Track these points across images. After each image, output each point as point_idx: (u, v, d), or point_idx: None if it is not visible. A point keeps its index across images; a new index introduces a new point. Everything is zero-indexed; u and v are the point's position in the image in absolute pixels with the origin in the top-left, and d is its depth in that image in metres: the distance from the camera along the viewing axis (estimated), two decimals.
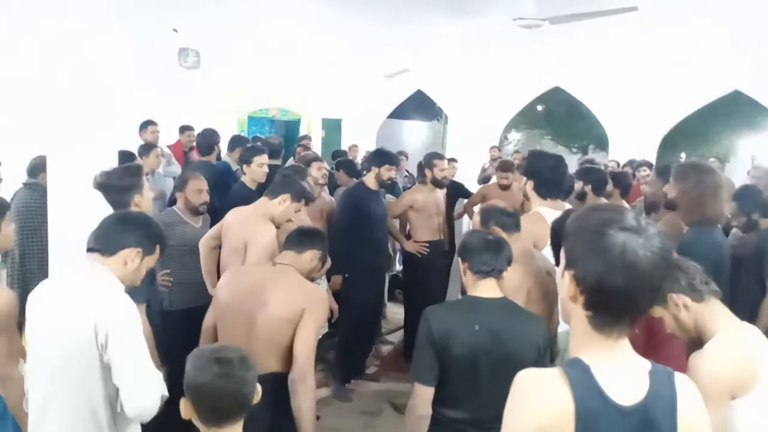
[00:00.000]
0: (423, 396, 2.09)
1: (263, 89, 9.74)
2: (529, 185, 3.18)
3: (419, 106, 13.13)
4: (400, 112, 12.80)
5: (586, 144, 17.90)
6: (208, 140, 5.54)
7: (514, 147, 18.22)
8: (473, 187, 7.15)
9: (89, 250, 1.99)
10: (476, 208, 3.71)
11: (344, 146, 10.37)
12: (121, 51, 7.56)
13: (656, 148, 9.33)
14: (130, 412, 1.87)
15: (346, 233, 4.51)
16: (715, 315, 1.88)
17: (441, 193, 5.30)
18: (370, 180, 4.74)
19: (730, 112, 11.38)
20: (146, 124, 6.73)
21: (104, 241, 1.98)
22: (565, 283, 1.19)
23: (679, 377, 1.21)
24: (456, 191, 6.47)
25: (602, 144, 12.69)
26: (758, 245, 3.49)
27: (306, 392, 2.30)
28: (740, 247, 3.75)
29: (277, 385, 2.30)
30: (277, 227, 3.33)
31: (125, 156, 4.54)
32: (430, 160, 5.10)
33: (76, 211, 2.97)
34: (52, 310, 1.89)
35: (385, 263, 5.18)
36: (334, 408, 4.32)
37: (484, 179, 8.29)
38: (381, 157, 4.83)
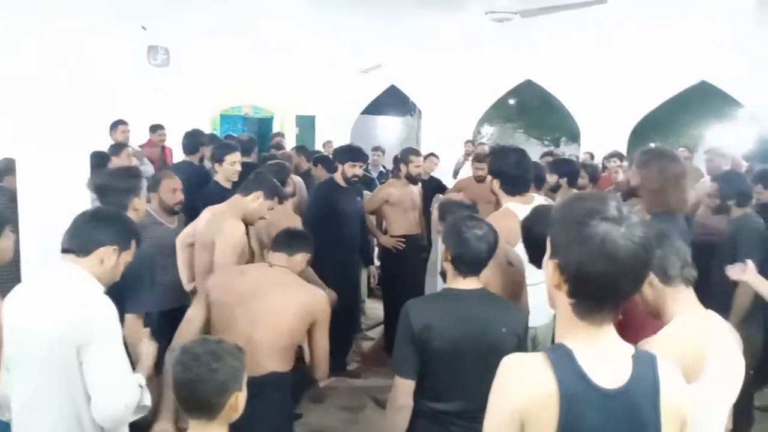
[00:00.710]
0: (403, 389, 2.09)
1: (235, 87, 9.65)
2: (495, 184, 3.10)
3: (393, 101, 13.15)
4: (373, 108, 12.80)
5: (558, 136, 18.12)
6: (193, 140, 5.45)
7: (487, 141, 18.38)
8: (449, 182, 7.17)
9: (64, 251, 1.94)
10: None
11: (318, 142, 10.35)
12: (89, 49, 7.45)
13: (627, 139, 9.49)
14: (96, 415, 1.83)
15: (315, 229, 4.46)
16: (678, 300, 1.87)
17: (416, 188, 5.31)
18: (339, 176, 4.73)
19: (697, 102, 11.63)
20: (116, 124, 6.63)
21: (79, 241, 1.93)
22: (549, 271, 1.21)
23: (662, 362, 1.23)
24: (433, 186, 6.49)
25: (574, 136, 12.85)
26: (730, 235, 3.54)
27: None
28: (706, 234, 3.80)
29: (278, 385, 2.32)
30: (250, 224, 3.33)
31: (99, 156, 4.45)
32: (406, 155, 5.14)
33: (47, 214, 2.87)
34: (30, 313, 1.85)
35: (356, 260, 5.13)
36: (316, 405, 4.31)
37: (457, 173, 8.33)
38: (344, 153, 4.81)
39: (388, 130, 15.66)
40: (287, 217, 3.93)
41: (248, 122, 11.10)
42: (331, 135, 10.36)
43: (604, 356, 1.19)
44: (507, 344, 2.02)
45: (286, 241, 2.63)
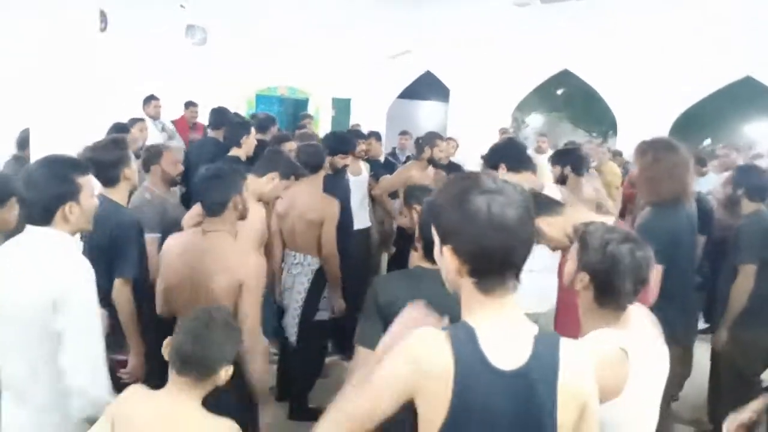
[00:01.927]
0: (364, 359, 2.13)
1: (271, 67, 9.77)
2: (502, 170, 3.15)
3: (431, 87, 13.05)
4: (411, 92, 12.73)
5: (605, 129, 17.67)
6: (220, 117, 5.58)
7: (535, 131, 18.08)
8: (473, 168, 7.12)
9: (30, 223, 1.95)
10: None
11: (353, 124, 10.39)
12: (128, 25, 7.68)
13: (666, 134, 9.19)
14: (71, 382, 1.85)
15: None
16: (603, 316, 1.68)
17: (433, 172, 5.30)
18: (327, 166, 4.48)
19: (744, 99, 11.14)
20: (149, 99, 6.88)
21: (37, 214, 1.93)
22: (446, 259, 1.23)
23: (566, 344, 1.23)
24: (454, 171, 6.46)
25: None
26: (736, 232, 3.44)
27: (255, 359, 2.35)
28: (721, 230, 3.70)
29: None
30: (267, 205, 3.32)
31: (117, 129, 4.63)
32: (432, 138, 5.18)
33: None
34: (5, 280, 1.90)
35: (348, 246, 5.00)
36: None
37: None
38: (335, 144, 4.48)
39: (426, 115, 15.58)
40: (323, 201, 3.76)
41: (284, 103, 11.21)
42: (367, 118, 10.41)
43: (507, 335, 1.21)
44: None
45: (207, 201, 2.45)
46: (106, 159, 2.73)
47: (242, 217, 2.53)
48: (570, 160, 3.70)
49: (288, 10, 8.79)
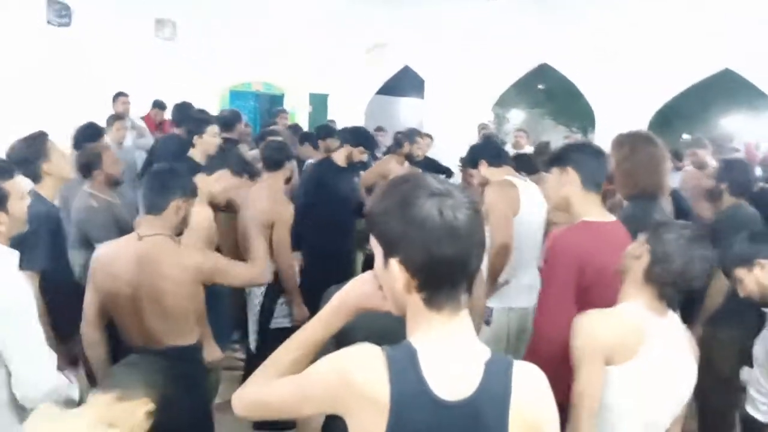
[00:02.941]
0: None
1: (245, 62, 9.54)
2: (483, 167, 3.25)
3: (409, 82, 12.92)
4: (390, 89, 12.59)
5: (585, 124, 17.69)
6: (183, 113, 5.41)
7: (515, 126, 18.06)
8: (452, 164, 7.00)
9: None
10: None
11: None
12: (96, 20, 7.46)
13: (645, 129, 9.13)
14: (18, 392, 1.78)
15: (308, 211, 4.25)
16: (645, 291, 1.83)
17: (408, 168, 5.22)
18: (339, 156, 4.51)
19: (723, 92, 11.15)
20: (117, 96, 6.69)
21: None
22: (392, 273, 1.06)
23: (519, 368, 1.09)
24: (431, 167, 6.37)
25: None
26: (713, 226, 3.35)
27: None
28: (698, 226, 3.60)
29: (180, 359, 2.22)
30: (219, 207, 3.12)
31: (90, 128, 4.41)
32: (413, 135, 5.24)
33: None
34: None
35: (352, 246, 4.98)
36: None
37: None
38: (358, 137, 4.59)
39: (404, 112, 15.43)
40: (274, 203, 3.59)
41: (259, 99, 10.99)
42: (345, 114, 10.25)
43: (454, 360, 1.06)
44: None
45: (150, 196, 2.33)
46: (23, 156, 2.64)
47: (183, 226, 2.39)
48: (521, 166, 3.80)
49: (262, 4, 8.59)
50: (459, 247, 1.02)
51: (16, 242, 2.42)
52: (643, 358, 1.72)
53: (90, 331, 2.35)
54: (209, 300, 2.46)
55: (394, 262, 1.05)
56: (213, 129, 4.13)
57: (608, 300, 2.08)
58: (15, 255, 1.86)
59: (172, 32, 8.81)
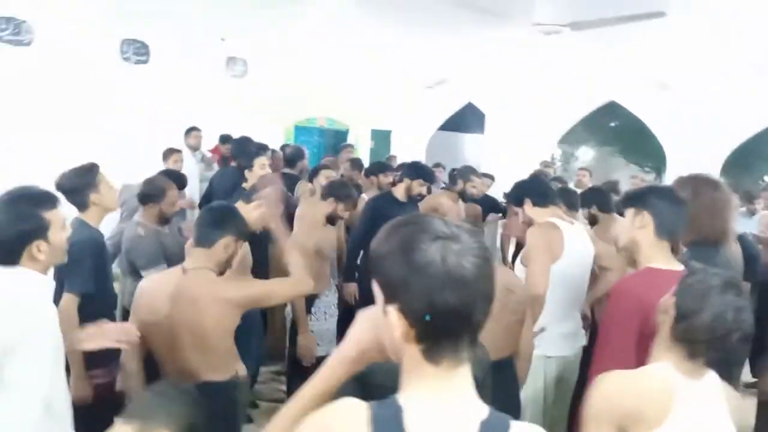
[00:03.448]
0: None
1: (310, 98, 9.79)
2: (527, 206, 3.15)
3: (473, 118, 12.88)
4: (453, 125, 12.58)
5: (658, 164, 17.05)
6: (240, 147, 5.57)
7: (582, 164, 17.61)
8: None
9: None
10: None
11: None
12: (171, 59, 7.86)
13: (719, 169, 8.68)
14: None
15: (364, 243, 4.34)
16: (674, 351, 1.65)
17: (463, 206, 5.19)
18: (399, 191, 4.60)
19: None
20: (190, 130, 7.04)
21: (2, 255, 1.85)
22: (391, 320, 0.99)
23: (515, 428, 1.00)
24: (488, 206, 6.30)
25: None
26: None
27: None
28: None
29: (213, 394, 2.21)
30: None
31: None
32: (467, 173, 5.26)
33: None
34: None
35: None
36: None
37: None
38: (417, 170, 4.72)
39: (467, 148, 15.35)
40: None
41: (324, 134, 11.21)
42: (407, 150, 10.31)
43: (445, 419, 0.98)
44: None
45: (201, 232, 2.38)
46: (72, 186, 2.74)
47: (228, 264, 2.42)
48: (595, 200, 3.57)
49: (328, 42, 8.83)
50: (462, 297, 0.94)
51: (60, 266, 2.53)
52: (669, 430, 1.53)
53: (128, 361, 2.38)
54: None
55: (392, 309, 0.98)
56: (260, 161, 4.25)
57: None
58: (51, 284, 1.90)
59: (243, 70, 9.16)
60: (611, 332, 2.14)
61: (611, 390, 1.59)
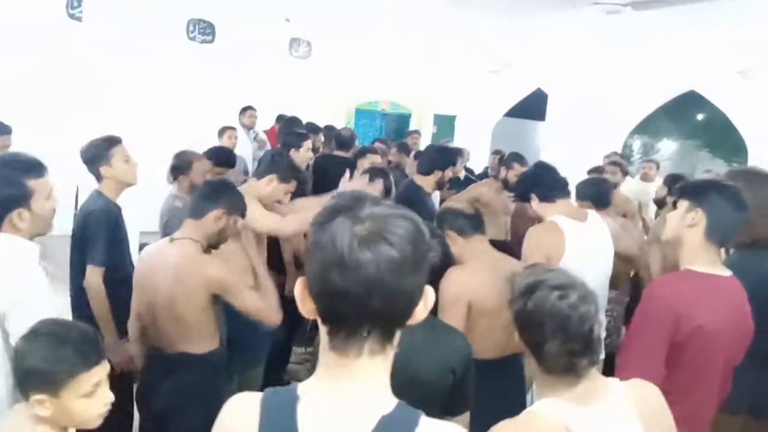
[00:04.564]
0: None
1: (373, 81, 9.74)
2: (534, 202, 2.91)
3: (541, 105, 12.44)
4: (521, 111, 12.18)
5: (742, 159, 15.97)
6: (286, 128, 5.58)
7: (666, 158, 16.77)
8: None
9: None
10: None
11: (457, 143, 10.09)
12: (233, 38, 7.98)
13: None
14: None
15: None
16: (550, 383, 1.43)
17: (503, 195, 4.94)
18: (430, 181, 4.25)
19: None
20: (245, 109, 7.10)
21: None
22: (297, 292, 0.96)
23: (429, 426, 0.91)
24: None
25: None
26: None
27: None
28: None
29: (188, 366, 2.24)
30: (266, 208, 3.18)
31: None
32: (510, 160, 4.88)
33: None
34: None
35: None
36: None
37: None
38: (448, 156, 4.38)
39: (536, 135, 14.86)
40: None
41: (386, 118, 11.13)
42: (471, 136, 10.11)
43: (342, 411, 0.90)
44: (435, 381, 1.69)
45: (193, 203, 2.40)
46: (86, 157, 2.80)
47: (220, 238, 2.40)
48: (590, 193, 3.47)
49: (392, 24, 8.73)
50: (350, 281, 0.86)
51: (78, 238, 2.59)
52: None
53: (132, 327, 2.46)
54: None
55: (300, 279, 0.94)
56: (308, 144, 4.22)
57: (700, 365, 1.85)
58: (35, 249, 1.89)
59: (307, 51, 9.21)
60: (637, 337, 1.98)
61: None
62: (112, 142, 2.86)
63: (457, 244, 2.35)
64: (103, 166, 2.82)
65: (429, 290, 0.95)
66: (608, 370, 2.41)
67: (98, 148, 2.83)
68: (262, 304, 2.29)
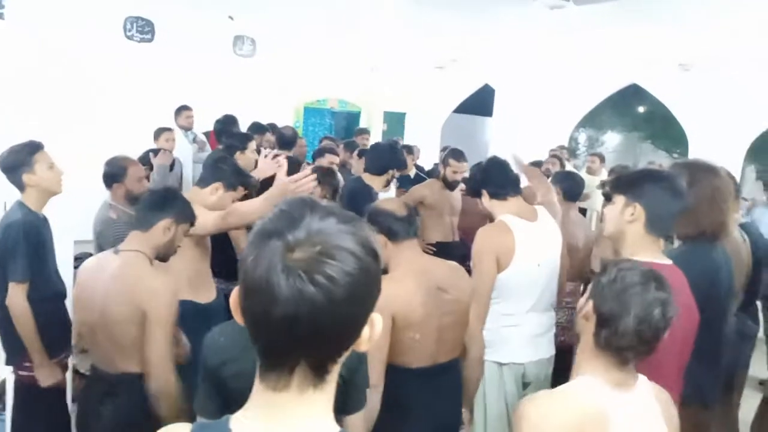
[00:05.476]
0: None
1: (321, 79, 9.59)
2: (485, 198, 2.85)
3: (490, 101, 12.55)
4: (469, 107, 12.26)
5: (685, 152, 16.53)
6: (223, 128, 5.43)
7: (608, 150, 17.19)
8: None
9: None
10: None
11: (407, 140, 10.06)
12: (173, 35, 7.70)
13: (743, 156, 8.28)
14: None
15: None
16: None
17: (457, 193, 4.88)
18: (379, 181, 4.24)
19: None
20: (181, 110, 6.77)
21: None
22: (234, 311, 0.86)
23: None
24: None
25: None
26: None
27: (160, 407, 2.03)
28: None
29: (130, 387, 2.09)
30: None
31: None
32: (446, 157, 4.76)
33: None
34: None
35: None
36: None
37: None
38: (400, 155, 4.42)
39: (485, 131, 15.01)
40: None
41: (335, 116, 11.01)
42: (421, 133, 10.08)
43: None
44: None
45: (140, 213, 2.27)
46: (6, 164, 2.66)
47: (169, 249, 2.27)
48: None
49: (339, 21, 8.62)
50: (280, 317, 0.76)
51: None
52: None
53: (79, 343, 2.30)
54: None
55: (235, 292, 0.84)
56: (253, 145, 4.08)
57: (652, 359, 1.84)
58: None
59: (252, 49, 8.99)
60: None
61: (543, 418, 1.38)
62: (34, 147, 2.70)
63: (386, 248, 2.19)
64: (25, 173, 2.67)
65: (376, 318, 0.86)
66: (565, 361, 2.40)
67: (20, 155, 2.67)
68: (161, 359, 2.05)
